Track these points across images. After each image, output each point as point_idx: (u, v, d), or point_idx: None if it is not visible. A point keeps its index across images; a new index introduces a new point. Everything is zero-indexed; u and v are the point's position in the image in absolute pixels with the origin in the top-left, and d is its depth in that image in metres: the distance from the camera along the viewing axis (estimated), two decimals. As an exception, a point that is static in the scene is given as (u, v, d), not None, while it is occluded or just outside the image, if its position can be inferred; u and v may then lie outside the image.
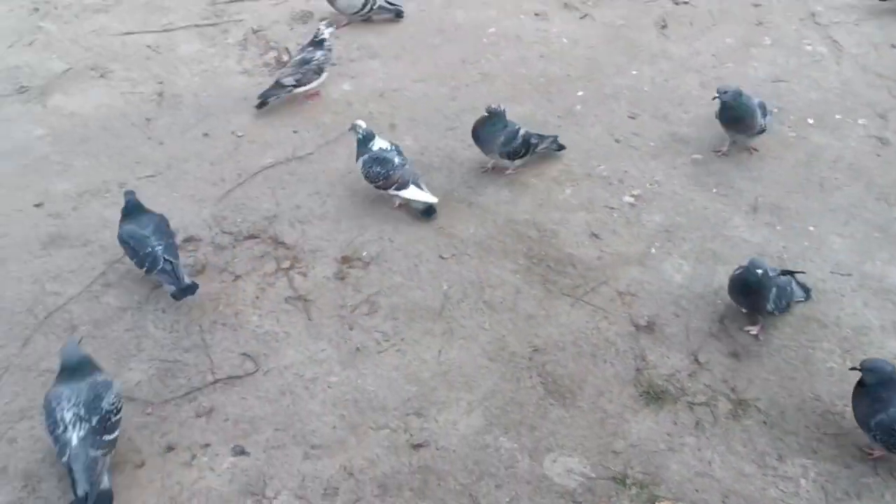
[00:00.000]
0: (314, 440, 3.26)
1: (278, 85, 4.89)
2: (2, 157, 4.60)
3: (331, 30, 5.05)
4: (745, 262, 3.57)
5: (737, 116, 4.39)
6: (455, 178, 4.52)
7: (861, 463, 3.18)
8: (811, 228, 4.18)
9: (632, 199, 4.37)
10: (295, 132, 4.83)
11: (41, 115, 4.92)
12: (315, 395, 3.42)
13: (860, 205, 4.31)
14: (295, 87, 4.88)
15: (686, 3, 5.96)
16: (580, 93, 5.14)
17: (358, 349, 3.61)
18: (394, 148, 4.27)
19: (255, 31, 5.67)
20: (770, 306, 3.54)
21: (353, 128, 4.26)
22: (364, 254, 4.07)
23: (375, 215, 4.27)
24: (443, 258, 4.02)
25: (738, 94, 4.32)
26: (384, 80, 5.27)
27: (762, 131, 4.46)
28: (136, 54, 5.44)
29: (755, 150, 4.55)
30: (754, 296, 3.55)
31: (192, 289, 3.69)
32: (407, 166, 4.25)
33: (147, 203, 4.23)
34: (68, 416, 2.97)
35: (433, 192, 4.30)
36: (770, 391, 3.44)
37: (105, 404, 3.04)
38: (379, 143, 4.25)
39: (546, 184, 4.48)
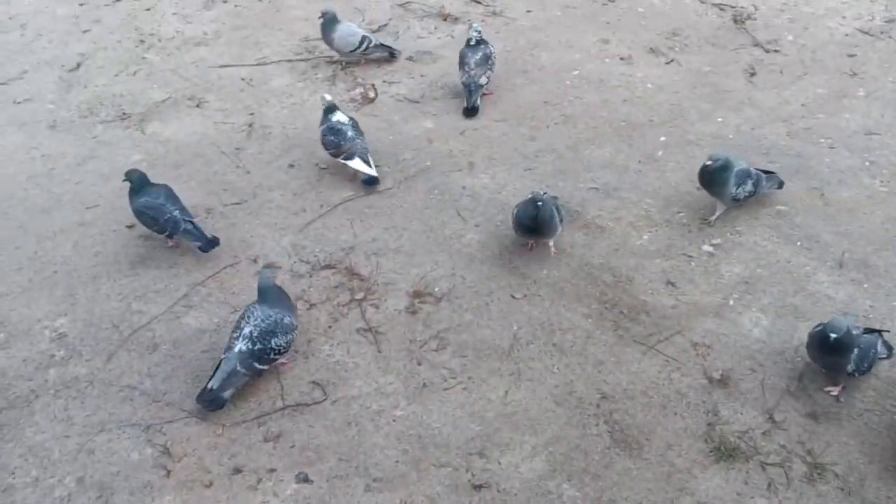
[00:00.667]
0: (376, 473, 3.28)
1: (476, 86, 5.32)
2: (102, 179, 4.87)
3: (479, 25, 5.53)
4: (826, 319, 3.44)
5: (709, 182, 4.31)
6: (531, 219, 4.52)
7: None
8: (901, 288, 4.00)
9: (711, 249, 4.28)
10: (376, 166, 4.93)
11: (140, 140, 5.19)
12: (380, 428, 3.45)
13: (955, 266, 4.10)
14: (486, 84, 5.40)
15: (777, 51, 5.85)
16: (662, 138, 5.09)
17: (424, 384, 3.64)
18: (350, 122, 4.76)
19: (343, 68, 5.84)
20: (851, 367, 3.40)
21: (322, 99, 4.86)
22: (436, 289, 4.11)
23: (449, 251, 4.32)
24: (514, 298, 4.02)
25: (725, 163, 4.23)
26: (465, 119, 5.34)
27: (735, 199, 4.31)
28: (230, 86, 5.69)
29: (706, 221, 4.41)
30: (835, 356, 3.41)
31: (215, 242, 4.22)
32: (358, 140, 4.73)
33: (231, 229, 4.41)
34: (246, 329, 3.53)
35: (507, 230, 4.33)
36: (849, 456, 3.28)
37: (274, 342, 3.54)
38: (338, 117, 4.75)
39: (623, 228, 4.44)
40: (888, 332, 3.67)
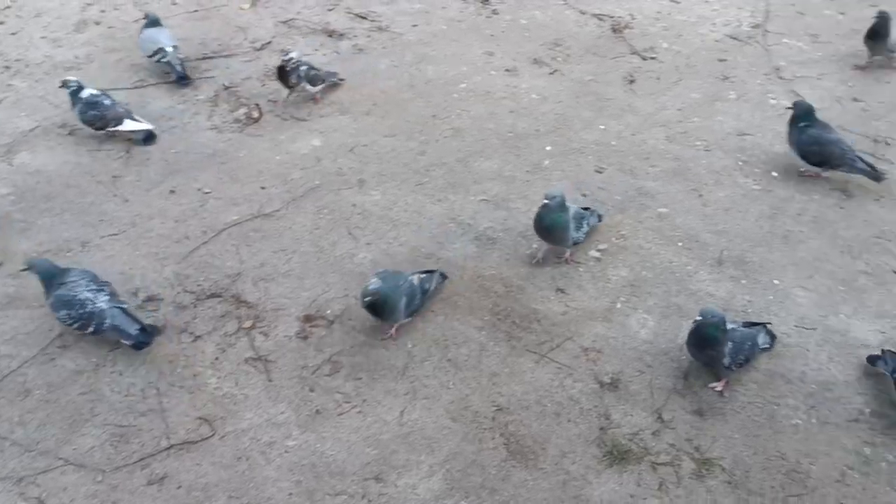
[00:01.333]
0: (268, 507, 3.17)
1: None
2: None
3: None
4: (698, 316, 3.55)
5: (546, 227, 4.12)
6: (423, 233, 4.51)
7: (827, 524, 3.13)
8: (776, 282, 4.17)
9: (598, 254, 4.36)
10: (262, 188, 4.82)
11: (6, 172, 4.89)
12: (272, 461, 3.34)
13: (824, 258, 4.31)
14: None
15: (654, 58, 6.04)
16: (548, 147, 5.17)
17: (318, 411, 3.55)
18: (102, 93, 4.98)
19: (226, 88, 5.70)
20: (727, 360, 3.51)
21: (64, 83, 4.96)
22: (328, 312, 4.03)
23: (341, 272, 4.25)
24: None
25: (560, 203, 4.05)
26: (354, 135, 5.29)
27: (576, 243, 4.23)
28: (105, 111, 5.45)
29: (569, 260, 4.30)
30: (709, 349, 3.52)
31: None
32: (117, 105, 4.97)
33: (109, 262, 4.21)
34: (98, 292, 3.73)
35: (399, 246, 4.31)
36: (734, 450, 3.39)
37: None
38: (89, 91, 4.94)
39: (513, 238, 4.47)
40: (770, 324, 3.82)
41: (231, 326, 3.94)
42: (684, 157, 5.05)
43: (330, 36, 6.33)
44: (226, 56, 6.06)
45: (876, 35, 5.61)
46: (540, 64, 6.02)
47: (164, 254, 4.33)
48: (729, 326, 3.52)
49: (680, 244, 4.41)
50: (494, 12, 6.62)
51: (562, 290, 4.13)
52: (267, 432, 3.46)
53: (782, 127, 4.94)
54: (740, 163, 4.97)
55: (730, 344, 3.49)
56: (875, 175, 4.65)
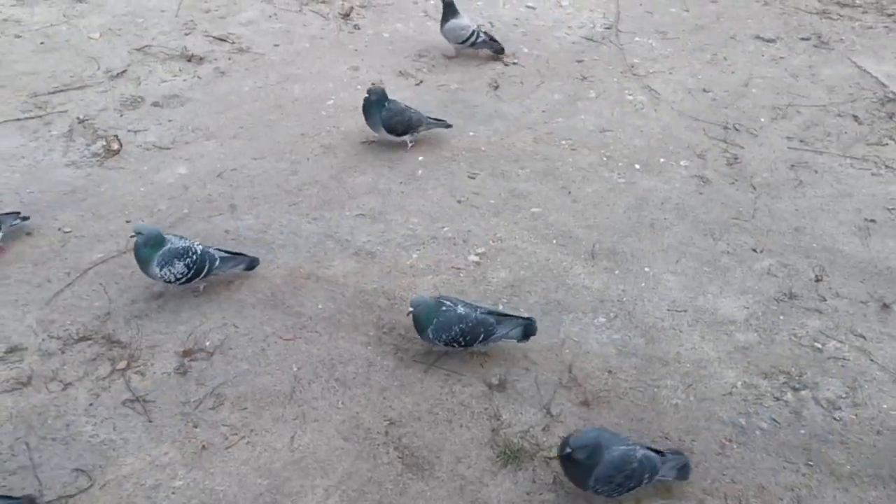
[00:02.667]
0: (158, 551, 3.03)
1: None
2: None
3: None
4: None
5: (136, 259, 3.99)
6: (301, 254, 4.44)
7: (712, 497, 3.28)
8: (646, 269, 4.36)
9: (477, 258, 4.43)
10: (128, 222, 4.61)
11: None
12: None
13: (689, 242, 4.54)
14: None
15: (515, 63, 6.21)
16: (420, 158, 5.21)
17: (204, 447, 3.42)
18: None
19: (81, 121, 5.43)
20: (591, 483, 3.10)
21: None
22: (207, 343, 3.89)
23: (218, 300, 4.12)
24: (290, 339, 3.91)
25: (150, 238, 3.91)
26: (222, 160, 5.16)
27: (167, 281, 3.98)
28: (-54, 155, 5.09)
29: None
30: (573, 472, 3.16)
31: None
32: None
33: (-40, 316, 3.92)
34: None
35: (276, 269, 4.22)
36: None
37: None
38: None
39: (393, 250, 4.47)
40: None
41: (104, 369, 3.74)
42: (552, 156, 5.21)
43: (189, 60, 6.16)
44: (79, 88, 5.79)
45: None
46: (406, 76, 6.07)
47: (24, 300, 4.07)
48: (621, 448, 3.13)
49: (555, 241, 4.54)
50: (356, 27, 6.63)
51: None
52: (151, 475, 3.29)
53: (640, 121, 5.19)
54: (604, 158, 5.17)
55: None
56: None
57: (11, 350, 3.81)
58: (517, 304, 4.14)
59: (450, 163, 5.16)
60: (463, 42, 5.99)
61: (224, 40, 6.42)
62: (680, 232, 4.61)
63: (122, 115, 5.55)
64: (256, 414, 3.57)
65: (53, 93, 5.72)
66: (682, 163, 5.13)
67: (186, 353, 3.83)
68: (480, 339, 3.71)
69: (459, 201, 4.81)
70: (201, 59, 6.19)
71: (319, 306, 4.11)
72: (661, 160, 5.12)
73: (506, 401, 3.64)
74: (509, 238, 4.56)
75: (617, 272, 4.34)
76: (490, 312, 3.79)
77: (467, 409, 3.61)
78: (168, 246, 3.98)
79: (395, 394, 3.68)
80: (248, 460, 3.38)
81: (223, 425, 3.51)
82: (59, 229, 4.54)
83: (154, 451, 3.40)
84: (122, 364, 3.77)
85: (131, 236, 4.02)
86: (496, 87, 5.93)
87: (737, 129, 5.47)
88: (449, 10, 5.96)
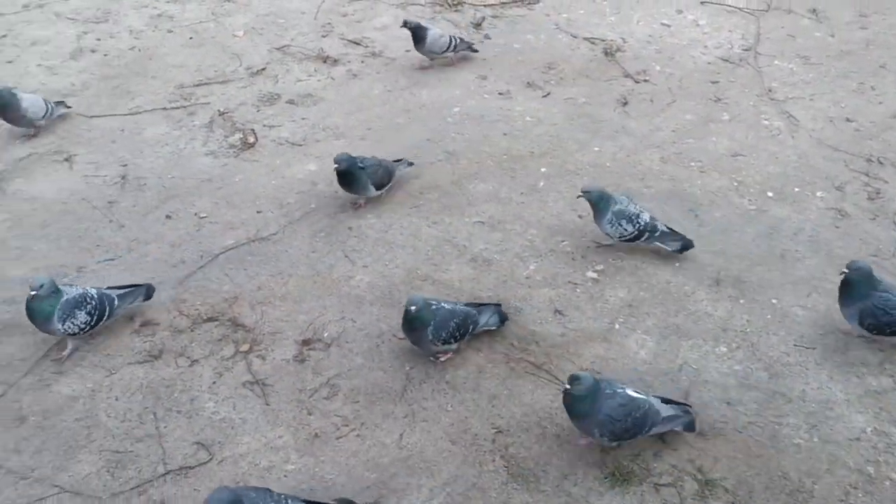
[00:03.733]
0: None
1: None
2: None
3: None
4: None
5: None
6: (419, 256, 4.50)
7: (832, 544, 3.10)
8: (774, 301, 4.17)
9: (595, 275, 4.36)
10: (259, 212, 4.81)
11: (0, 199, 4.88)
12: (270, 485, 3.29)
13: (822, 277, 4.32)
14: None
15: (646, 80, 6.09)
16: (543, 169, 5.19)
17: (316, 435, 3.52)
18: None
19: (221, 113, 5.71)
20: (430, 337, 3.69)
21: None
22: (325, 335, 4.01)
23: (338, 294, 4.23)
24: (403, 339, 3.96)
25: (48, 292, 3.70)
26: (349, 159, 5.30)
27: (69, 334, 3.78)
28: (101, 138, 5.46)
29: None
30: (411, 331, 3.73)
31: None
32: None
33: (101, 287, 4.17)
34: None
35: (395, 269, 4.30)
36: (737, 470, 3.36)
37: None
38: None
39: (510, 260, 4.47)
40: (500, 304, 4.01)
41: (228, 350, 3.91)
42: (679, 177, 5.08)
43: (324, 62, 6.37)
44: (221, 83, 6.09)
45: None
46: (533, 87, 6.07)
47: (160, 278, 4.31)
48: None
49: (677, 264, 4.41)
50: (487, 37, 6.67)
51: (560, 312, 4.12)
52: (265, 456, 3.42)
53: (776, 148, 4.99)
54: (735, 183, 5.00)
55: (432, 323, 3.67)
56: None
57: (146, 324, 4.04)
58: (634, 325, 4.05)
59: (573, 176, 5.12)
60: (446, 50, 6.08)
61: (358, 44, 6.61)
62: (813, 265, 4.40)
63: (258, 111, 5.79)
64: (368, 408, 3.64)
65: (198, 85, 6.05)
66: (818, 193, 4.89)
67: (305, 343, 3.95)
68: (470, 330, 3.82)
69: (580, 216, 4.76)
70: (336, 60, 6.39)
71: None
72: (796, 189, 4.90)
73: (617, 422, 3.56)
74: (630, 257, 4.46)
75: (742, 301, 4.18)
76: (467, 304, 3.93)
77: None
78: (64, 297, 3.71)
79: (504, 403, 3.67)
80: (358, 452, 3.45)
81: (335, 416, 3.60)
82: (196, 214, 4.78)
83: (269, 433, 3.52)
84: (245, 347, 3.92)
85: (31, 293, 3.66)
86: (625, 104, 5.84)
87: (881, 163, 5.17)
88: (419, 31, 5.99)
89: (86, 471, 3.36)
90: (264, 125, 5.62)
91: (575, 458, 3.42)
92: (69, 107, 5.59)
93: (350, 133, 5.58)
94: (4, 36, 6.60)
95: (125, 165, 5.19)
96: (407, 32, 6.05)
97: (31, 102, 5.25)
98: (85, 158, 5.24)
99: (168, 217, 4.77)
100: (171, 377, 3.77)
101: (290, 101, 5.89)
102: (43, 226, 4.69)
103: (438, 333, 3.71)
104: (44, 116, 5.33)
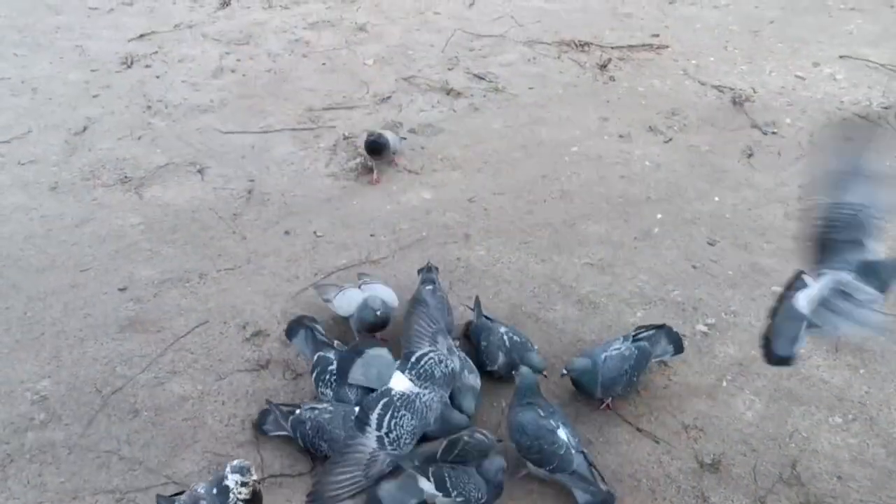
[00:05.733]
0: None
1: None
2: (98, 241, 4.88)
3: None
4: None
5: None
6: (525, 292, 4.49)
7: None
8: (898, 374, 3.92)
9: (705, 328, 4.23)
10: (372, 236, 4.94)
11: (138, 204, 5.22)
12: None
13: (955, 353, 4.02)
14: None
15: (775, 133, 5.90)
16: (659, 216, 5.09)
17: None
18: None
19: (345, 138, 5.92)
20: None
21: None
22: (425, 362, 4.04)
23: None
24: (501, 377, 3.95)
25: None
26: (464, 191, 5.38)
27: None
28: (232, 153, 5.76)
29: None
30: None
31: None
32: None
33: (223, 295, 4.39)
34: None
35: (500, 303, 4.30)
36: (845, 551, 3.16)
37: None
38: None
39: (617, 305, 4.40)
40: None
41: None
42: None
43: (448, 94, 6.51)
44: (348, 108, 6.32)
45: None
46: (655, 132, 5.99)
47: (274, 291, 4.48)
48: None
49: (794, 325, 4.21)
50: (612, 79, 6.65)
51: (665, 363, 4.01)
52: (357, 476, 3.47)
53: (912, 212, 4.68)
54: (864, 246, 4.73)
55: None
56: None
57: (257, 333, 4.21)
58: (743, 384, 3.89)
59: (689, 225, 5.00)
60: (400, 144, 5.64)
61: (482, 78, 6.72)
62: (945, 340, 4.10)
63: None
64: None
65: (326, 109, 6.30)
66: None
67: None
68: (648, 362, 3.82)
69: (694, 266, 4.64)
70: (459, 93, 6.51)
71: (536, 347, 4.12)
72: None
73: (717, 483, 3.42)
74: (744, 313, 4.30)
75: (862, 371, 3.94)
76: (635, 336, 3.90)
77: (673, 482, 3.44)
78: None
79: (598, 450, 3.59)
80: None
81: (428, 443, 3.61)
82: (314, 232, 4.96)
83: (363, 453, 3.57)
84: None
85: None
86: (750, 155, 5.66)
87: None
88: (380, 139, 5.33)
89: (188, 469, 3.51)
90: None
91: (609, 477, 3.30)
92: (404, 138, 5.82)
93: (466, 165, 5.66)
94: (156, 52, 7.10)
95: (252, 181, 5.45)
96: (532, 69, 6.09)
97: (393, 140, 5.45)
98: (216, 171, 5.54)
99: (287, 233, 4.97)
100: (276, 388, 3.90)
101: (412, 130, 6.04)
102: (173, 231, 4.98)
103: (611, 389, 3.71)
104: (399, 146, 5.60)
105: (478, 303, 4.16)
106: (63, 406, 3.79)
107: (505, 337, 3.87)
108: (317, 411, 3.46)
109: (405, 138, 5.80)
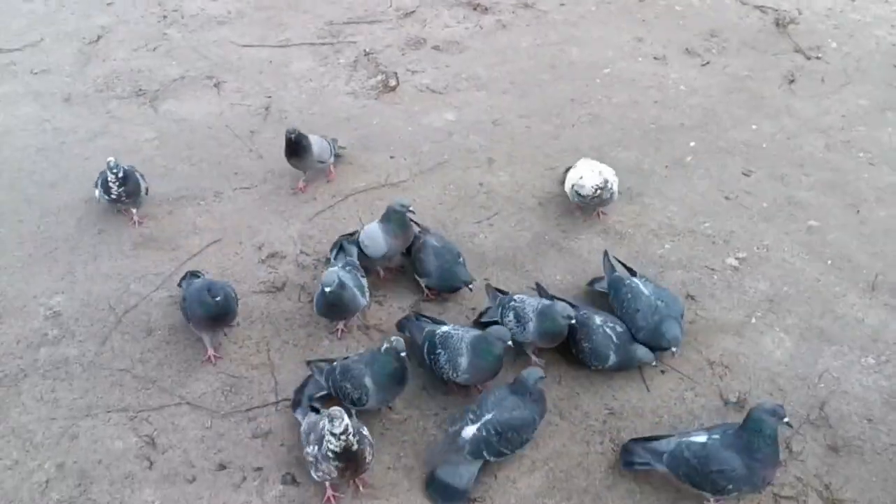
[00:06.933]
0: (366, 478, 3.12)
1: None
2: (112, 155, 4.72)
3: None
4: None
5: None
6: (549, 220, 4.34)
7: None
8: (937, 316, 3.76)
9: (736, 262, 4.06)
10: (392, 158, 4.77)
11: (153, 118, 5.08)
12: (373, 431, 3.28)
13: None
14: None
15: (819, 58, 5.58)
16: (692, 143, 4.87)
17: (423, 388, 3.47)
18: None
19: (366, 54, 5.69)
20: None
21: None
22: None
23: (462, 250, 4.12)
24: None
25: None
26: (488, 112, 5.17)
27: None
28: (249, 67, 5.56)
29: None
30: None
31: None
32: None
33: (239, 215, 4.26)
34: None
35: (523, 231, 4.15)
36: (870, 493, 3.07)
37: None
38: None
39: (644, 235, 4.24)
40: None
41: (347, 292, 3.91)
42: (844, 168, 4.64)
43: (475, 9, 6.22)
44: (370, 22, 6.06)
45: None
46: (692, 54, 5.69)
47: (291, 212, 4.36)
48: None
49: (829, 262, 4.04)
50: (647, -6, 6.30)
51: (692, 297, 3.87)
52: (372, 403, 3.41)
53: (963, 145, 4.45)
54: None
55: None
56: None
57: (273, 255, 4.11)
58: (772, 321, 3.75)
59: (724, 154, 4.77)
60: (330, 155, 4.54)
61: (511, -7, 6.39)
62: None
63: (403, 54, 5.73)
64: (478, 369, 3.55)
65: (347, 23, 6.04)
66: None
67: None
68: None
69: (727, 198, 4.44)
70: (486, 9, 6.22)
71: (557, 277, 4.00)
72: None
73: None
74: (777, 248, 4.13)
75: (899, 311, 3.79)
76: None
77: (696, 419, 3.35)
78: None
79: (620, 384, 3.50)
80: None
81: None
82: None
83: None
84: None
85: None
86: (791, 81, 5.37)
87: None
88: (303, 140, 4.37)
89: (202, 389, 3.47)
90: (407, 69, 5.55)
91: (690, 453, 3.21)
92: (343, 147, 4.76)
93: (492, 85, 5.43)
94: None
95: (269, 97, 5.27)
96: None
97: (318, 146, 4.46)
98: (232, 86, 5.36)
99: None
100: (291, 310, 3.82)
101: (436, 48, 5.79)
102: (188, 147, 4.85)
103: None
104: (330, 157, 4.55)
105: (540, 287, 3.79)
106: (76, 322, 3.74)
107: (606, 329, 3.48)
108: (347, 359, 3.33)
109: (344, 147, 4.75)
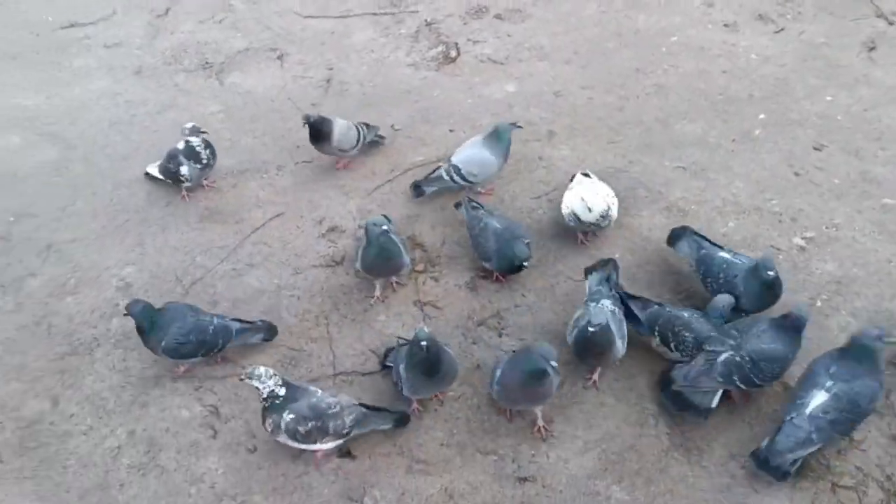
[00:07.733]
0: (420, 454, 3.20)
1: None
2: (179, 128, 4.85)
3: None
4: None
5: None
6: (609, 196, 4.27)
7: None
8: None
9: (803, 242, 3.94)
10: (451, 131, 4.76)
11: (218, 91, 5.17)
12: (428, 408, 3.35)
13: None
14: None
15: (902, 22, 5.29)
16: (762, 116, 4.70)
17: (478, 366, 3.51)
18: None
19: (427, 24, 5.65)
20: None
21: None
22: (501, 265, 3.94)
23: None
24: (579, 281, 3.81)
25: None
26: (550, 83, 5.09)
27: None
28: (312, 38, 5.59)
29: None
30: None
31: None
32: None
33: (300, 188, 4.31)
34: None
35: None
36: (936, 488, 2.98)
37: None
38: None
39: (708, 213, 4.13)
40: None
41: (404, 267, 3.96)
42: (925, 142, 4.42)
43: (539, -25, 6.07)
44: (434, -11, 6.00)
45: None
46: (765, 20, 5.46)
47: (350, 187, 4.41)
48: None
49: (903, 243, 3.89)
50: (719, -41, 6.04)
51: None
52: (426, 379, 3.46)
53: None
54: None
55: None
56: None
57: (332, 229, 4.18)
58: (839, 304, 3.64)
59: (795, 127, 4.60)
60: (356, 144, 4.45)
61: (577, -42, 6.22)
62: None
63: (465, 24, 5.67)
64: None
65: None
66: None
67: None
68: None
69: (797, 173, 4.29)
70: (551, -25, 6.07)
71: (617, 255, 3.94)
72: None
73: (801, 409, 3.25)
74: (847, 227, 3.98)
75: (977, 297, 3.62)
76: None
77: (754, 404, 3.29)
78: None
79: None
80: (517, 391, 3.40)
81: (499, 350, 3.55)
82: (392, 126, 4.81)
83: (433, 356, 3.55)
84: (420, 267, 3.95)
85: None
86: (871, 49, 5.11)
87: None
88: (322, 125, 4.33)
89: (263, 361, 3.56)
90: (468, 39, 5.50)
91: (748, 439, 3.17)
92: (383, 136, 4.67)
93: (554, 55, 5.33)
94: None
95: (331, 69, 5.30)
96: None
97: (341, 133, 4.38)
98: (295, 58, 5.41)
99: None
100: (349, 285, 3.89)
101: (498, 16, 5.71)
102: (252, 120, 4.93)
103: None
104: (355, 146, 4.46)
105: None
106: (146, 294, 3.88)
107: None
108: None
109: (383, 137, 4.65)
